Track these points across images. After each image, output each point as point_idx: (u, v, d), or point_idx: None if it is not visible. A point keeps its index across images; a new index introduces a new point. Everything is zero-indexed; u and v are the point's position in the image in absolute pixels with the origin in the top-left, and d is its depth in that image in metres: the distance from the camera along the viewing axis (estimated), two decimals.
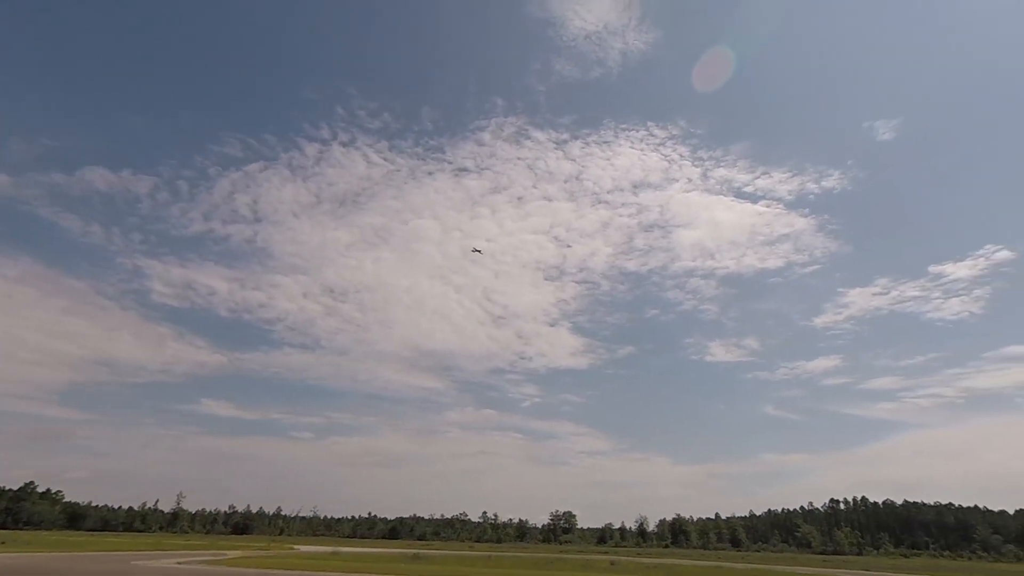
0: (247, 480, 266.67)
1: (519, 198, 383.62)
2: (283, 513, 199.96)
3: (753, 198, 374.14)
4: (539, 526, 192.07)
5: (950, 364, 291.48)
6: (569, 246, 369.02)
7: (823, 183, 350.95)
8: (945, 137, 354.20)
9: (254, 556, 57.33)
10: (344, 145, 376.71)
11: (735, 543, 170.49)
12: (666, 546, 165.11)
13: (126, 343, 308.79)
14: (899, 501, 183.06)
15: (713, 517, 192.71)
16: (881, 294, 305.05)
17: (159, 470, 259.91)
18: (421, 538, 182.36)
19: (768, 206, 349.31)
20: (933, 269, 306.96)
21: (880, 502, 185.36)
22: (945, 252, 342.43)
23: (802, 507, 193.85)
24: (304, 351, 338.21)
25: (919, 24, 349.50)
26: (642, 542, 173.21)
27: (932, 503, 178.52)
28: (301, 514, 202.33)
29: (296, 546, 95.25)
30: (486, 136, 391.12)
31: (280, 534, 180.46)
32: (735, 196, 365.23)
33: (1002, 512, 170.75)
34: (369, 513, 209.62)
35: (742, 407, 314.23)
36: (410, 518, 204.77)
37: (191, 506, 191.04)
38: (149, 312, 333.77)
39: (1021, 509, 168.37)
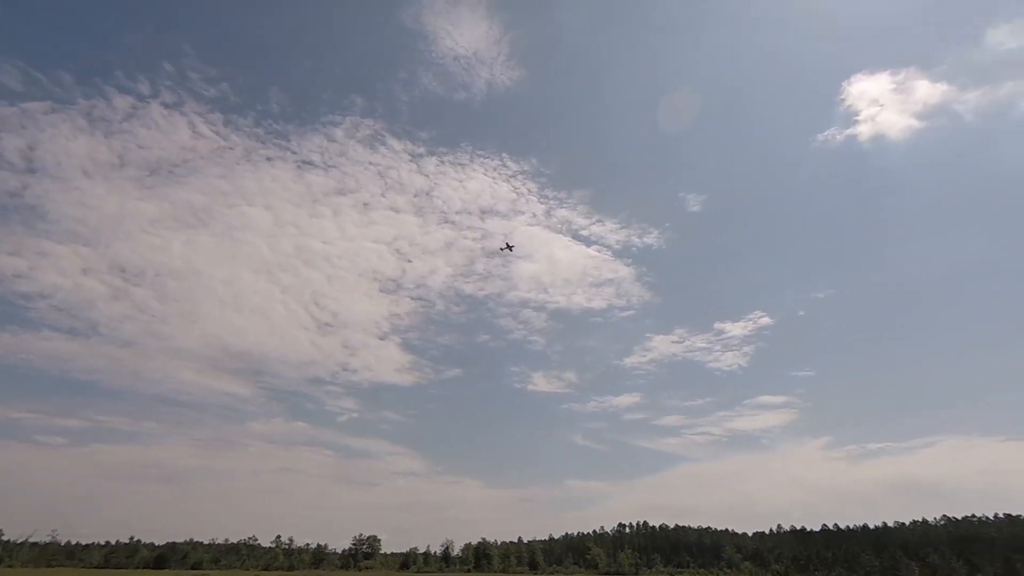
0: None
1: (365, 204, 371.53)
2: (5, 538, 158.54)
3: (588, 242, 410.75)
4: (339, 551, 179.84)
5: (720, 407, 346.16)
6: (410, 261, 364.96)
7: (644, 239, 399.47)
8: (735, 217, 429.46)
9: None
10: (167, 107, 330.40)
11: (533, 566, 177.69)
12: (468, 570, 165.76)
13: None
14: (671, 525, 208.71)
15: (516, 541, 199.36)
16: (678, 342, 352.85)
17: None
18: (196, 566, 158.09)
19: (599, 251, 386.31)
20: (717, 326, 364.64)
21: (657, 526, 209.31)
22: (727, 312, 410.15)
23: (594, 531, 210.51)
24: (72, 338, 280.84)
25: (733, 121, 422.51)
26: (445, 567, 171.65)
27: (696, 527, 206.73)
28: (33, 539, 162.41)
29: None
30: (339, 133, 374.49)
31: None
32: (572, 237, 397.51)
33: (744, 534, 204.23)
34: (131, 538, 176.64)
35: (555, 436, 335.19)
36: (185, 543, 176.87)
37: None
38: None
39: (758, 531, 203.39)
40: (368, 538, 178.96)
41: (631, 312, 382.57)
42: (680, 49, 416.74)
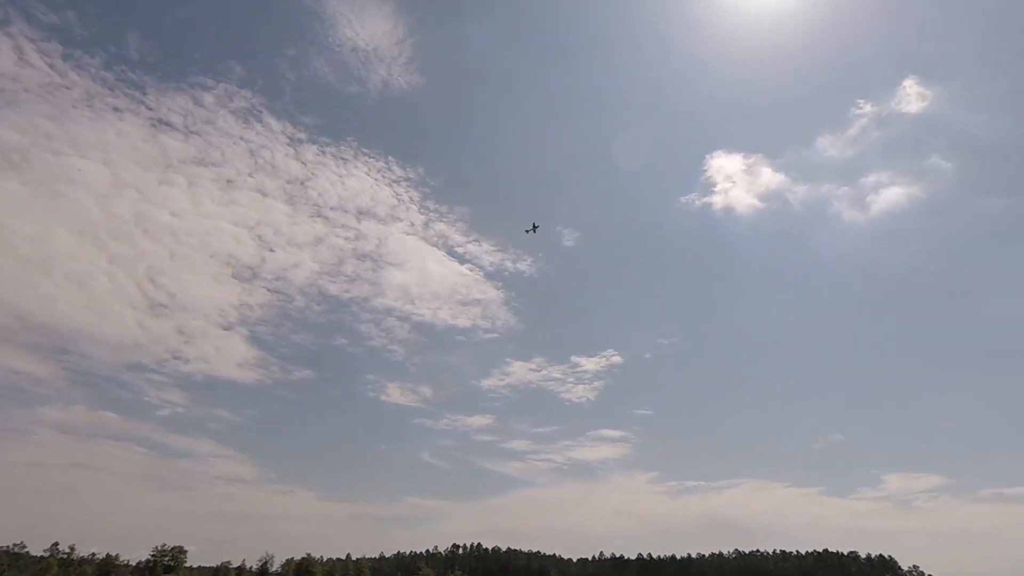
0: None
1: (229, 181, 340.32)
2: None
3: (461, 259, 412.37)
4: (134, 563, 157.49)
5: (566, 436, 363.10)
6: (272, 250, 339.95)
7: (518, 265, 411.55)
8: (603, 258, 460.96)
9: None
10: None
11: None
12: None
13: None
14: (504, 548, 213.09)
15: (344, 557, 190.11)
16: (535, 371, 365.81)
17: None
18: None
19: (471, 270, 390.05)
20: (574, 359, 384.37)
21: (490, 548, 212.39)
22: (583, 347, 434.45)
23: (427, 550, 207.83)
24: None
25: (615, 168, 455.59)
26: None
27: (526, 551, 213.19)
28: None
29: None
30: (208, 98, 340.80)
31: None
32: (447, 252, 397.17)
33: (569, 560, 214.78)
34: None
35: (402, 450, 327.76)
36: None
37: None
38: None
39: (582, 558, 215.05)
40: (172, 549, 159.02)
41: (495, 335, 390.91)
42: (576, 93, 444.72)
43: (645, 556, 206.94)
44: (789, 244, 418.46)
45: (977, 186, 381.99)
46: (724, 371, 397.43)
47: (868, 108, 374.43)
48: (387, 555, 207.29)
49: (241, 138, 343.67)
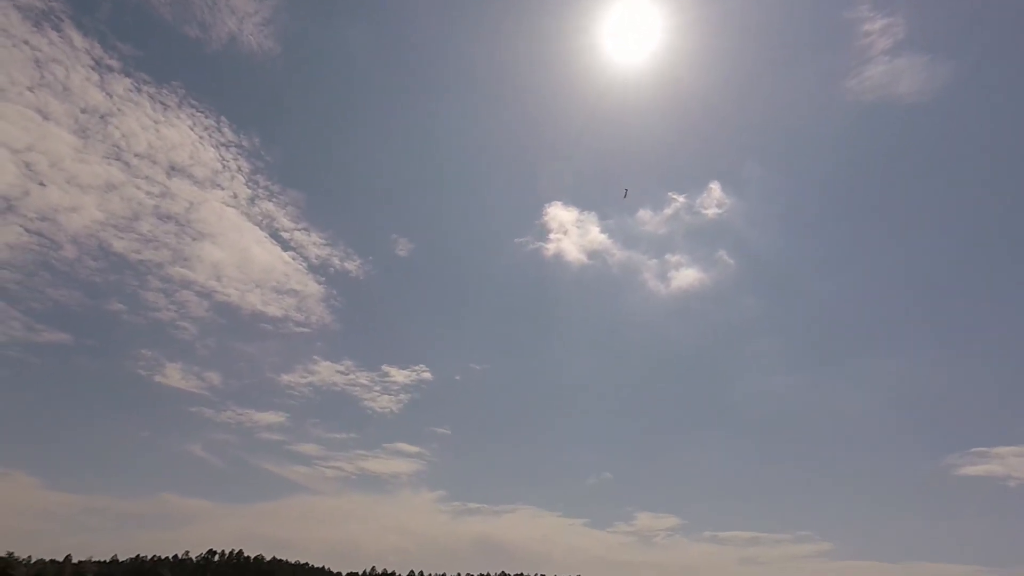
0: None
1: None
2: None
3: (285, 245, 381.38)
4: None
5: (361, 446, 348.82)
6: (43, 184, 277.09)
7: (346, 264, 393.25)
8: (433, 276, 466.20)
9: None
10: None
11: None
12: None
13: None
14: (268, 557, 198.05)
15: (62, 559, 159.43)
16: (342, 373, 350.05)
17: None
18: None
19: (294, 259, 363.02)
20: (385, 368, 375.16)
21: (252, 557, 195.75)
22: (396, 358, 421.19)
23: (176, 555, 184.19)
24: None
25: (462, 188, 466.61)
26: None
27: (293, 562, 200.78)
28: None
29: None
30: None
31: None
32: (270, 235, 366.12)
33: (339, 573, 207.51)
34: None
35: (168, 440, 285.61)
36: None
37: None
38: None
39: (352, 572, 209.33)
40: None
41: (306, 330, 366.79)
42: (438, 117, 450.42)
43: (416, 574, 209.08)
44: (603, 301, 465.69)
45: (746, 285, 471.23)
46: (525, 404, 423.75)
47: (682, 199, 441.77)
48: (122, 559, 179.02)
49: (26, 42, 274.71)
